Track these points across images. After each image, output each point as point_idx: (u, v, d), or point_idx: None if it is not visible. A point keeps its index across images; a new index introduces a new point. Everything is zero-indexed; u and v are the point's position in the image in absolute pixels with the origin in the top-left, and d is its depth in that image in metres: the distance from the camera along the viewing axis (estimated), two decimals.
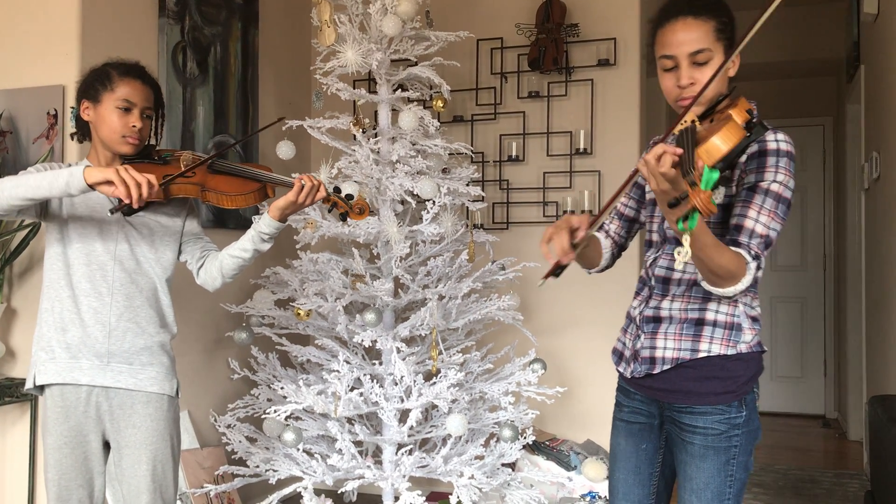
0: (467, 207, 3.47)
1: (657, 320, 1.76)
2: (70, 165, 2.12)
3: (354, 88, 3.31)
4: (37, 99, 2.86)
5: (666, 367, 1.72)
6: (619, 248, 2.01)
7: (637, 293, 1.87)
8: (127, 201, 1.85)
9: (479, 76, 4.07)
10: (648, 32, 1.77)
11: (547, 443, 3.64)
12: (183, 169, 2.09)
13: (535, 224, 3.96)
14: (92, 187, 1.85)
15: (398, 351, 3.09)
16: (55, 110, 2.84)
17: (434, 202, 3.12)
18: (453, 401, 3.16)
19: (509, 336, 3.80)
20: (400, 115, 3.13)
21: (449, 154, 3.39)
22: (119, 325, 2.06)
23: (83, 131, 2.16)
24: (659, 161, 1.39)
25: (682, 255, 1.32)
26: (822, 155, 6.40)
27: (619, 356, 1.88)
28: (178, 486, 2.18)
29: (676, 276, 1.74)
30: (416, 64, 3.32)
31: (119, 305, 2.06)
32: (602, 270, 2.00)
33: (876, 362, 4.34)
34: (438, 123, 3.24)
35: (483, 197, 3.83)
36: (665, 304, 1.75)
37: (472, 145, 3.94)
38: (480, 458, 3.24)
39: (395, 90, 3.29)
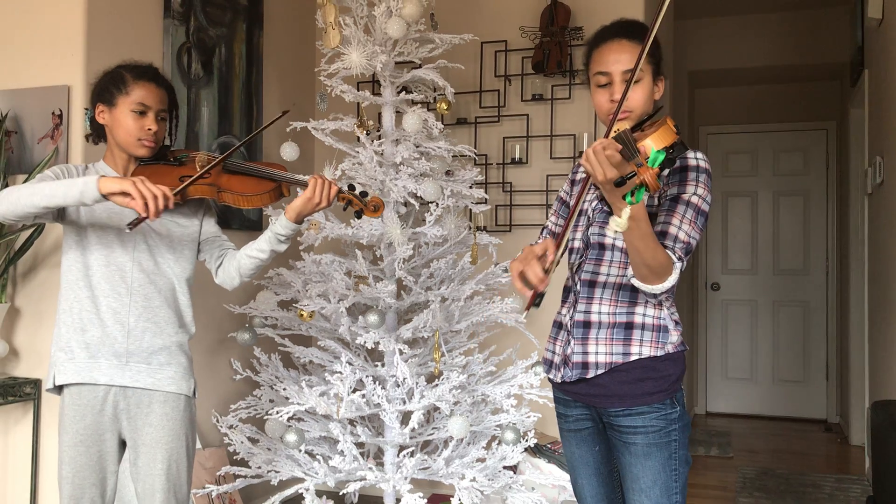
0: (470, 210, 3.47)
1: (587, 325, 1.84)
2: (87, 168, 2.14)
3: (358, 90, 3.32)
4: (42, 99, 2.87)
5: (600, 371, 1.81)
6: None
7: (563, 301, 1.95)
8: (144, 215, 1.86)
9: (482, 79, 4.07)
10: (585, 53, 1.92)
11: (549, 446, 3.64)
12: (199, 170, 2.10)
13: (538, 227, 3.96)
14: (106, 197, 1.86)
15: (400, 353, 3.10)
16: (60, 110, 2.84)
17: (437, 204, 3.13)
18: (455, 403, 3.16)
19: (512, 338, 3.80)
20: (404, 117, 3.13)
21: (452, 156, 3.40)
22: (138, 326, 2.07)
23: (98, 133, 2.17)
24: (604, 146, 1.48)
25: (617, 223, 1.44)
26: (826, 159, 6.40)
27: (549, 364, 1.95)
28: (191, 486, 2.19)
29: (601, 279, 1.83)
30: (420, 66, 3.33)
31: (138, 306, 2.08)
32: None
33: (878, 367, 4.34)
34: (442, 126, 3.25)
35: (486, 199, 3.83)
36: (594, 307, 1.84)
37: (475, 148, 3.94)
38: (482, 460, 3.24)
39: (399, 92, 3.30)
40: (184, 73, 3.32)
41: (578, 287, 1.87)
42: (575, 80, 3.92)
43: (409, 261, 3.26)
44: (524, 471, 3.52)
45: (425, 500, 2.95)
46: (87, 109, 2.21)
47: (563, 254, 1.78)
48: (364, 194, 2.19)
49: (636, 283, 1.71)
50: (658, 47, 1.85)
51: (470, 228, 3.36)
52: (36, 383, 2.83)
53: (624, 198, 1.44)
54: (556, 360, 1.91)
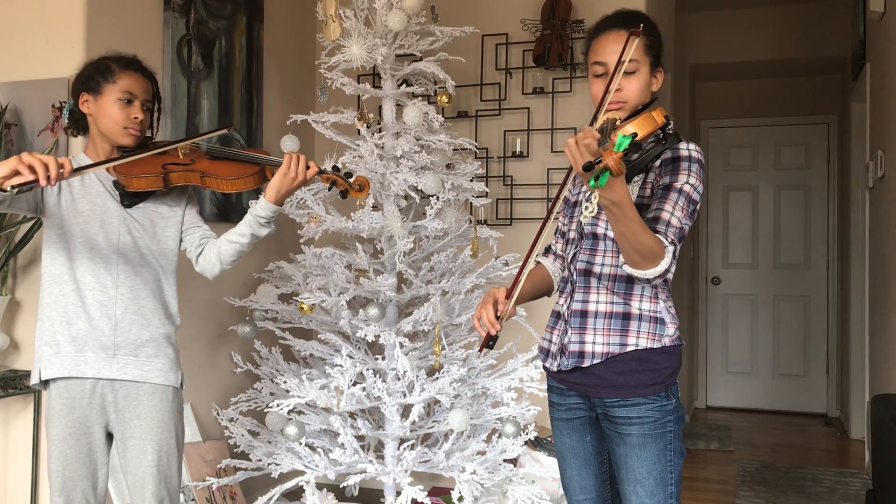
0: (471, 203, 3.47)
1: (584, 314, 1.85)
2: (71, 159, 2.13)
3: (359, 83, 3.31)
4: (42, 91, 2.87)
5: (596, 361, 1.82)
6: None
7: (561, 292, 1.97)
8: (43, 183, 1.73)
9: (483, 72, 4.07)
10: (585, 42, 1.94)
11: (549, 439, 3.65)
12: (181, 156, 2.10)
13: (539, 220, 3.96)
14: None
15: (401, 346, 3.10)
16: (60, 103, 2.84)
17: (438, 197, 3.12)
18: (455, 396, 3.16)
19: (512, 332, 3.80)
20: (404, 110, 3.13)
21: (453, 150, 3.39)
22: (125, 318, 2.07)
23: (78, 125, 2.16)
24: (582, 136, 1.50)
25: (588, 209, 1.51)
26: (827, 153, 6.39)
27: (545, 353, 1.96)
28: (181, 477, 2.19)
29: (597, 269, 1.84)
30: (420, 59, 3.32)
31: (124, 298, 2.07)
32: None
33: (878, 361, 4.34)
34: (443, 119, 3.24)
35: (487, 193, 3.83)
36: (592, 297, 1.85)
37: (476, 141, 3.94)
38: (482, 453, 3.24)
39: (399, 85, 3.29)
40: (184, 65, 3.32)
41: (574, 277, 1.88)
42: (576, 74, 3.91)
43: (410, 254, 3.26)
44: (524, 464, 3.52)
45: (425, 493, 2.96)
46: (64, 102, 2.20)
47: (513, 303, 1.80)
48: (349, 174, 2.18)
49: (628, 269, 1.71)
50: (658, 39, 1.86)
51: (470, 222, 3.36)
52: None
53: (588, 182, 1.47)
54: (553, 349, 1.92)
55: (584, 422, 1.93)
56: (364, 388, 3.05)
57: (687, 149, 1.79)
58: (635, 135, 1.55)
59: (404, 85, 3.30)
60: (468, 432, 3.27)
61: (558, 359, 1.89)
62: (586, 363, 1.82)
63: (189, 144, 2.17)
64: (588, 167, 1.46)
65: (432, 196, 3.13)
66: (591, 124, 1.67)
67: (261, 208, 2.10)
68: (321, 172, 2.14)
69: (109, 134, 2.09)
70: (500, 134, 4.04)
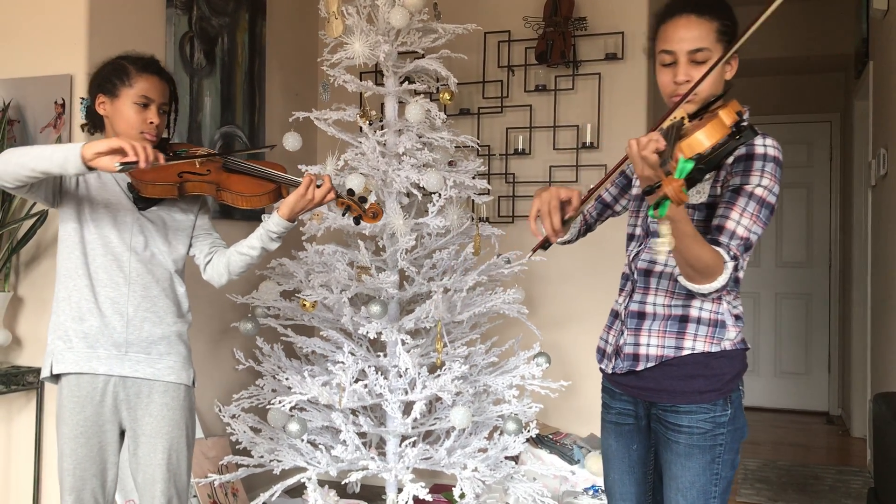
0: (473, 200, 3.47)
1: (641, 316, 1.76)
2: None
3: (361, 80, 3.31)
4: (44, 88, 2.87)
5: (650, 364, 1.73)
6: (587, 228, 2.06)
7: (621, 289, 1.88)
8: (143, 166, 1.83)
9: (486, 69, 4.06)
10: (652, 26, 1.80)
11: (550, 436, 3.65)
12: (198, 166, 2.09)
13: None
14: (91, 168, 1.82)
15: (403, 343, 3.10)
16: (63, 100, 2.84)
17: (440, 195, 3.12)
18: (457, 393, 3.16)
19: (514, 329, 3.80)
20: (406, 107, 3.12)
21: (455, 147, 3.39)
22: (137, 315, 2.07)
23: (94, 123, 2.16)
24: (643, 146, 1.43)
25: (659, 244, 1.36)
26: (829, 151, 6.38)
27: (601, 353, 1.89)
28: (191, 476, 2.19)
29: (658, 268, 1.75)
30: (423, 56, 3.32)
31: (136, 296, 2.07)
32: (564, 243, 2.02)
33: (880, 359, 4.33)
34: (445, 116, 3.24)
35: (489, 190, 3.83)
36: (649, 298, 1.76)
37: (478, 138, 3.94)
38: (484, 450, 3.24)
39: (401, 82, 3.29)
40: (186, 62, 3.32)
41: (635, 276, 1.79)
42: (578, 71, 3.91)
43: (412, 251, 3.26)
44: (526, 461, 3.53)
45: (427, 490, 2.96)
46: (83, 99, 2.20)
47: (586, 207, 1.69)
48: (364, 199, 2.18)
49: (682, 280, 1.62)
50: (733, 24, 1.71)
51: (472, 219, 3.36)
52: (39, 372, 2.82)
53: (648, 210, 1.37)
54: (609, 349, 1.85)
55: (632, 429, 1.85)
56: (366, 385, 3.06)
57: (763, 145, 1.65)
58: (700, 156, 1.42)
59: (406, 82, 3.30)
60: (470, 429, 3.27)
61: (613, 360, 1.81)
62: (640, 366, 1.74)
63: (206, 152, 2.16)
64: (648, 191, 1.36)
65: (434, 193, 3.13)
66: (661, 123, 1.57)
67: (273, 224, 2.10)
68: (338, 197, 2.13)
69: (125, 137, 2.09)
70: (503, 131, 4.04)
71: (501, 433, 3.21)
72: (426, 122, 3.22)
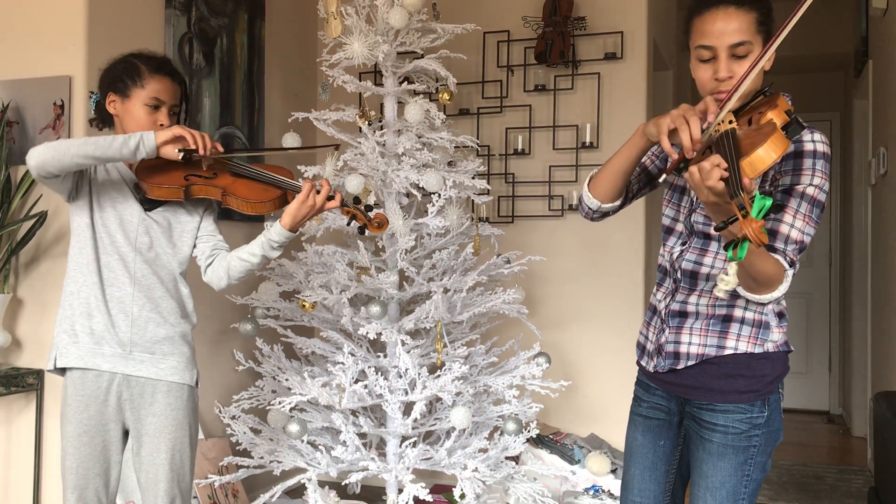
0: (473, 200, 3.47)
1: (683, 315, 1.72)
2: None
3: (360, 81, 3.31)
4: (43, 89, 2.87)
5: (690, 362, 1.70)
6: (628, 199, 1.91)
7: (659, 284, 1.82)
8: (201, 153, 1.98)
9: (485, 69, 4.06)
10: (684, 19, 1.69)
11: (551, 436, 3.65)
12: (205, 169, 2.09)
13: (541, 218, 3.95)
14: (158, 150, 1.95)
15: (403, 343, 3.10)
16: (62, 101, 2.84)
17: (439, 195, 3.12)
18: (457, 394, 3.16)
19: (514, 329, 3.80)
20: (406, 107, 3.12)
21: (455, 147, 3.38)
22: (141, 315, 2.07)
23: (103, 119, 2.16)
24: (706, 175, 1.35)
25: (725, 283, 1.29)
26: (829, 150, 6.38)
27: (641, 350, 1.85)
28: (194, 476, 2.19)
29: (705, 270, 1.69)
30: (422, 56, 3.32)
31: (141, 296, 2.08)
32: (614, 210, 1.89)
33: (881, 358, 4.33)
34: (444, 116, 3.24)
35: (489, 190, 3.82)
36: (692, 298, 1.71)
37: (477, 138, 3.93)
38: (484, 451, 3.24)
39: (401, 83, 3.29)
40: (185, 63, 3.32)
41: (679, 276, 1.73)
42: (577, 71, 3.91)
43: (412, 252, 3.25)
44: (526, 461, 3.53)
45: (427, 491, 2.96)
46: (93, 93, 2.20)
47: (730, 109, 1.52)
48: (369, 208, 2.17)
49: (741, 291, 1.58)
50: (769, 13, 1.62)
51: (472, 219, 3.35)
52: (38, 374, 2.83)
53: (726, 249, 1.26)
54: (650, 347, 1.80)
55: (662, 425, 1.81)
56: (366, 386, 3.05)
57: (812, 141, 1.59)
58: (774, 194, 1.33)
59: (406, 82, 3.29)
60: (470, 430, 3.27)
61: (654, 359, 1.78)
62: (681, 365, 1.70)
63: (225, 157, 2.14)
64: (722, 228, 1.29)
65: (434, 193, 3.13)
66: (706, 130, 1.51)
67: (275, 233, 2.09)
68: (342, 205, 2.13)
69: None
70: (502, 131, 4.04)
71: (502, 433, 3.20)
72: (425, 123, 3.22)
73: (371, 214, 2.17)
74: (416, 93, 3.35)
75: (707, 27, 1.60)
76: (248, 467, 3.23)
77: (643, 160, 1.89)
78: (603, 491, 3.44)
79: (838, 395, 6.24)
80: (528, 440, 3.44)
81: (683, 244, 1.75)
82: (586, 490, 3.46)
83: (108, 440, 2.07)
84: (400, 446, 3.21)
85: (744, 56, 1.59)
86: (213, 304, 3.48)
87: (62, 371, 2.08)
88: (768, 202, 1.23)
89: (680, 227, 1.77)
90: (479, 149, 4.00)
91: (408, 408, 3.32)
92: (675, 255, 1.76)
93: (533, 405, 3.24)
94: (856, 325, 5.40)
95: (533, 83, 3.97)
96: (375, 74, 4.08)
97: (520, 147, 3.98)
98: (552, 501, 3.21)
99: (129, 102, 2.07)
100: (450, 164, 3.38)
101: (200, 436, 3.32)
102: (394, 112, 3.28)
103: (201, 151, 1.97)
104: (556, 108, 3.96)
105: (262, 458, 3.18)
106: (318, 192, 2.07)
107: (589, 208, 1.90)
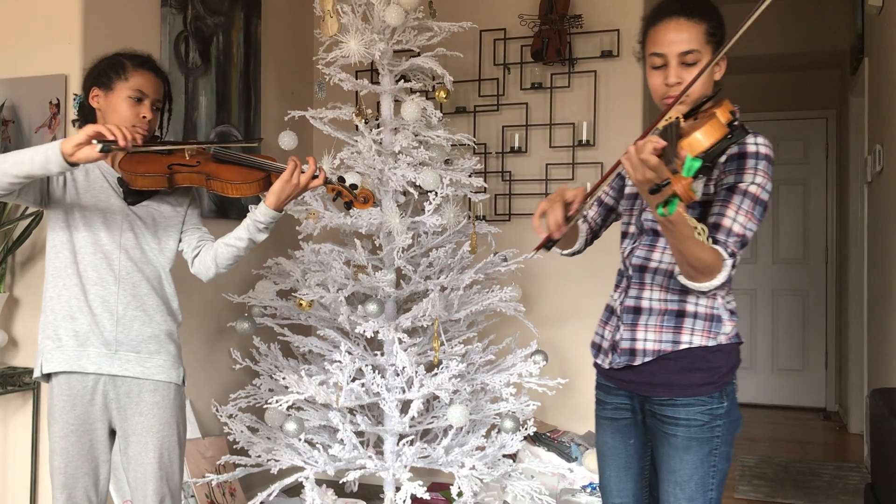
0: (469, 199, 3.47)
1: (637, 311, 1.79)
2: None
3: (357, 79, 3.31)
4: (39, 88, 2.86)
5: (647, 358, 1.75)
6: (594, 236, 2.07)
7: (616, 285, 1.90)
8: (122, 144, 1.84)
9: (481, 67, 4.06)
10: (641, 30, 1.81)
11: (548, 434, 3.65)
12: (187, 157, 2.10)
13: None
14: (73, 164, 1.82)
15: (400, 342, 3.10)
16: (58, 99, 2.83)
17: (436, 193, 3.12)
18: (455, 392, 3.16)
19: (511, 327, 3.80)
20: (402, 105, 3.12)
21: (451, 145, 3.39)
22: (127, 314, 2.07)
23: (86, 118, 2.16)
24: (641, 149, 1.43)
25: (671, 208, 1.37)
26: (825, 148, 6.39)
27: (597, 348, 1.91)
28: (183, 474, 2.19)
29: (653, 264, 1.78)
30: (418, 54, 3.32)
31: (126, 294, 2.07)
32: (573, 254, 2.07)
33: (877, 355, 4.34)
34: (441, 114, 3.24)
35: (485, 188, 3.83)
36: (645, 293, 1.78)
37: (474, 136, 3.93)
38: (481, 448, 3.24)
39: (397, 81, 3.29)
40: (181, 62, 3.31)
41: (630, 272, 1.82)
42: (574, 69, 3.91)
43: (408, 250, 3.25)
44: (523, 459, 3.53)
45: (425, 489, 2.96)
46: (76, 95, 2.20)
47: (589, 206, 1.71)
48: (354, 186, 2.17)
49: (682, 279, 1.65)
50: (720, 25, 1.73)
51: (469, 217, 3.35)
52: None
53: (656, 208, 1.37)
54: (605, 344, 1.86)
55: (629, 424, 1.86)
56: (363, 384, 3.05)
57: (755, 143, 1.68)
58: (706, 154, 1.43)
59: (402, 80, 3.29)
60: (467, 428, 3.27)
61: (610, 356, 1.83)
62: (637, 361, 1.76)
63: (196, 147, 2.16)
64: (654, 190, 1.36)
65: (431, 192, 3.13)
66: (654, 125, 1.59)
67: (260, 213, 2.09)
68: (326, 182, 2.13)
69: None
70: (499, 129, 4.04)
71: (499, 431, 3.21)
72: (422, 121, 3.22)
73: (356, 191, 2.16)
74: (412, 91, 3.35)
75: (660, 36, 1.72)
76: (245, 466, 3.23)
77: (599, 196, 2.04)
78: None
79: (835, 392, 6.25)
80: (525, 438, 3.45)
81: (634, 242, 1.84)
82: (583, 487, 3.47)
83: (95, 439, 2.07)
84: (397, 444, 3.21)
85: (693, 64, 1.69)
86: (209, 303, 3.48)
87: (47, 377, 2.08)
88: (697, 163, 1.31)
89: (632, 228, 1.87)
90: (475, 147, 4.00)
91: (405, 406, 3.32)
92: (626, 254, 1.86)
93: (530, 403, 3.25)
94: (852, 322, 5.41)
95: (529, 81, 3.97)
96: (372, 72, 4.07)
97: (516, 145, 3.98)
98: (549, 499, 3.21)
99: (112, 95, 2.08)
100: (446, 162, 3.38)
101: (198, 434, 3.32)
102: (390, 110, 3.28)
103: (121, 143, 1.84)
104: (553, 106, 3.96)
105: (259, 456, 3.18)
106: (304, 171, 2.07)
107: (562, 254, 2.09)
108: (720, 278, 1.61)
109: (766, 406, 6.41)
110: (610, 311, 1.89)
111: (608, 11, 3.88)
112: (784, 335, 6.46)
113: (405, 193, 3.29)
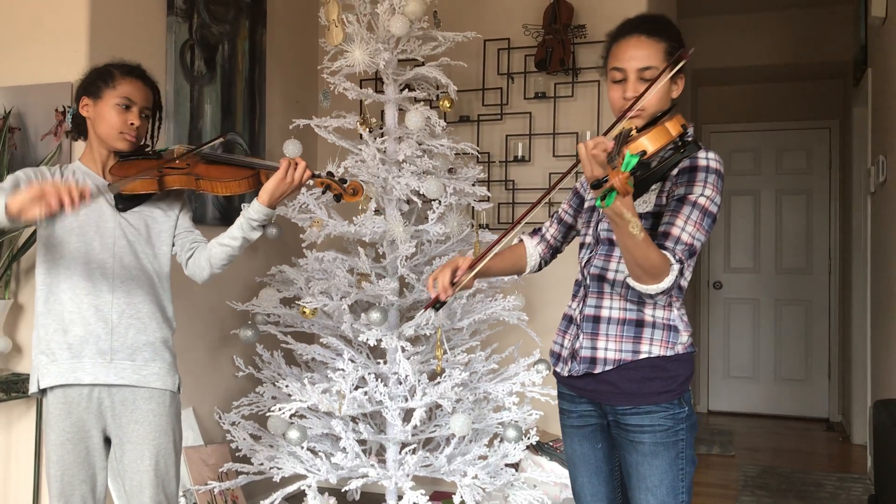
0: (473, 207, 3.48)
1: (597, 320, 1.83)
2: (63, 167, 2.14)
3: (361, 88, 3.32)
4: (45, 96, 2.88)
5: (608, 367, 1.79)
6: (554, 252, 2.16)
7: (574, 295, 1.95)
8: (69, 212, 1.78)
9: (485, 76, 4.07)
10: (605, 46, 1.91)
11: (550, 443, 3.65)
12: (178, 162, 2.12)
13: (541, 225, 3.95)
14: (14, 219, 1.76)
15: (403, 350, 3.10)
16: (63, 107, 2.85)
17: (440, 202, 3.13)
18: (457, 400, 3.16)
19: (514, 336, 3.80)
20: (406, 114, 3.13)
21: (455, 154, 3.39)
22: (121, 322, 2.07)
23: (79, 129, 2.18)
24: (592, 145, 1.50)
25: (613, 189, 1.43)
26: (829, 158, 6.39)
27: (556, 357, 1.94)
28: (179, 481, 2.19)
29: (610, 275, 1.82)
30: (423, 64, 3.33)
31: (120, 302, 2.08)
32: (534, 272, 2.16)
33: (881, 366, 4.33)
34: (445, 123, 3.25)
35: (489, 197, 3.83)
36: (605, 302, 1.83)
37: (478, 145, 3.94)
38: (484, 458, 3.24)
39: (401, 90, 3.30)
40: (187, 70, 3.33)
41: (588, 281, 1.86)
42: (578, 79, 3.92)
43: (412, 258, 3.26)
44: (526, 468, 3.52)
45: (427, 498, 2.96)
46: (69, 107, 2.23)
47: (473, 275, 1.83)
48: (343, 180, 2.18)
49: (630, 282, 1.69)
50: (679, 45, 1.81)
51: (472, 226, 3.36)
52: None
53: (596, 201, 1.44)
54: (564, 353, 1.90)
55: (596, 429, 1.91)
56: (366, 393, 3.06)
57: (706, 158, 1.75)
58: (644, 153, 1.53)
59: (406, 90, 3.30)
60: (470, 437, 3.27)
61: (569, 363, 1.87)
62: (598, 370, 1.80)
63: (184, 148, 2.19)
64: (596, 185, 1.44)
65: (434, 200, 3.14)
66: (607, 133, 1.66)
67: (253, 211, 2.10)
68: (314, 177, 2.14)
69: (105, 138, 2.11)
70: (502, 138, 4.05)
71: (501, 440, 3.20)
72: (426, 130, 3.23)
73: (345, 185, 2.17)
74: (416, 100, 3.36)
75: (621, 52, 1.82)
76: (247, 473, 3.23)
77: (559, 214, 2.14)
78: None
79: (838, 403, 6.24)
80: (527, 447, 3.44)
81: (591, 252, 1.90)
82: None
83: (91, 447, 2.08)
84: (400, 453, 3.21)
85: (650, 80, 1.76)
86: (213, 311, 3.48)
87: (44, 392, 2.08)
88: (634, 158, 1.42)
89: (589, 238, 1.93)
90: (479, 156, 4.01)
91: (408, 414, 3.32)
92: (583, 263, 1.92)
93: (533, 412, 3.24)
94: (855, 332, 5.40)
95: (533, 91, 3.98)
96: (376, 82, 4.08)
97: (520, 154, 3.99)
98: None
99: (100, 103, 2.10)
100: (450, 171, 3.39)
101: (200, 441, 3.32)
102: (394, 119, 3.29)
103: (68, 210, 1.74)
104: (556, 115, 3.97)
105: (261, 464, 3.18)
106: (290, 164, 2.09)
107: (525, 274, 2.19)
108: (667, 282, 1.65)
109: (768, 416, 6.40)
110: (569, 320, 1.93)
111: (611, 22, 3.84)
112: (787, 345, 6.45)
113: (409, 202, 3.29)
